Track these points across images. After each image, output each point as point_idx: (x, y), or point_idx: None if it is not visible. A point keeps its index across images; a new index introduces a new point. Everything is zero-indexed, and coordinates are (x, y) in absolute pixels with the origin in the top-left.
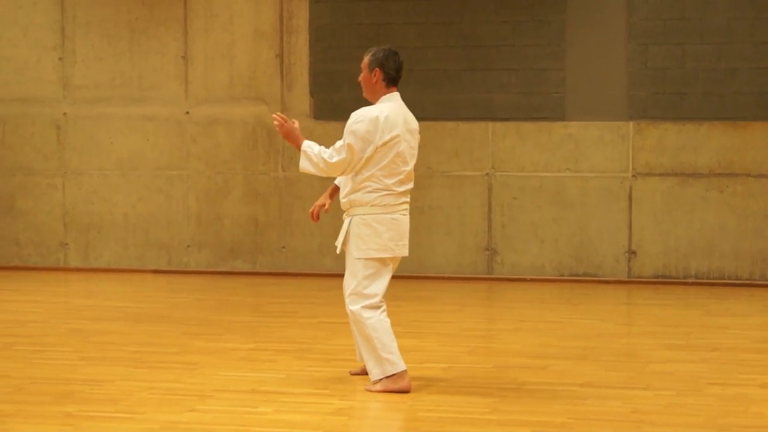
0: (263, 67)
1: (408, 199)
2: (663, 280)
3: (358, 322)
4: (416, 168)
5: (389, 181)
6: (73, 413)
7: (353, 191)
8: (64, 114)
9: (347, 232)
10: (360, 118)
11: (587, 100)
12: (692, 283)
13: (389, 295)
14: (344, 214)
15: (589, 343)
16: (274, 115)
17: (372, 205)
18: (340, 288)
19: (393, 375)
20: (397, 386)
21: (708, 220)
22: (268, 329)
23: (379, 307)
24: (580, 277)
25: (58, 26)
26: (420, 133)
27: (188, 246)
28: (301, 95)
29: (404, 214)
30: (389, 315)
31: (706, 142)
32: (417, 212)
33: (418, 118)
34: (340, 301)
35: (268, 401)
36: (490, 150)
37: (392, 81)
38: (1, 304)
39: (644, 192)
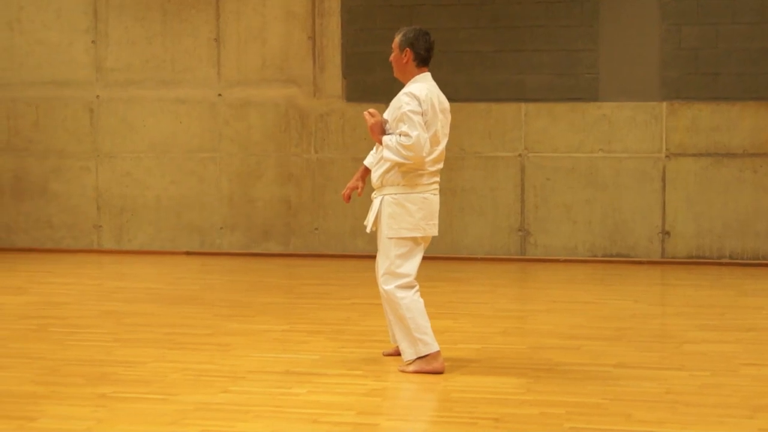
0: (295, 49)
1: (438, 179)
2: (697, 261)
3: (392, 302)
4: (449, 149)
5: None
6: (106, 394)
7: (387, 170)
8: (97, 97)
9: (378, 212)
10: (408, 99)
11: (620, 80)
12: (726, 264)
13: (422, 276)
14: (374, 193)
15: (622, 324)
16: (366, 112)
17: (404, 185)
18: (373, 269)
19: (426, 356)
20: (431, 367)
21: (742, 200)
22: (301, 311)
23: (413, 287)
24: (614, 258)
25: (91, 9)
26: (452, 114)
27: (221, 228)
28: (334, 77)
29: (434, 194)
30: (423, 296)
31: (740, 122)
32: (450, 194)
33: (451, 100)
34: (373, 282)
35: (301, 382)
36: (522, 131)
37: (423, 61)
38: (35, 286)
39: (678, 172)
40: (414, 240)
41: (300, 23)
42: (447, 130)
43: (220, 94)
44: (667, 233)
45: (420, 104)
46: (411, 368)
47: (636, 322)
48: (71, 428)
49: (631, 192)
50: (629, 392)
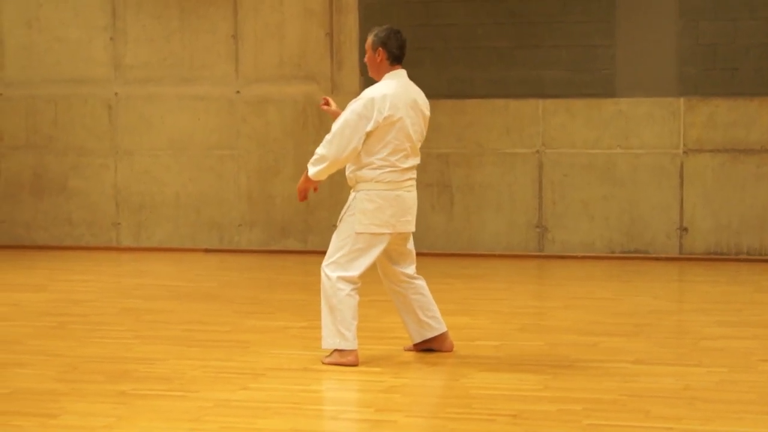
0: (313, 46)
1: (414, 176)
2: (715, 257)
3: (329, 289)
4: (467, 146)
5: (393, 158)
6: (126, 392)
7: (359, 168)
8: (116, 94)
9: (347, 206)
10: (359, 97)
11: (637, 76)
12: (744, 260)
13: (439, 273)
14: (351, 190)
15: (640, 320)
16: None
17: (377, 181)
18: None
19: (343, 350)
20: (345, 360)
21: (760, 196)
22: (319, 308)
23: (354, 283)
24: (631, 254)
25: (109, 7)
26: (470, 110)
27: (239, 225)
28: (351, 74)
29: (409, 191)
30: (440, 292)
31: (758, 118)
32: (467, 190)
33: (468, 96)
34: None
35: (320, 379)
36: (540, 127)
37: (396, 59)
38: (54, 283)
39: (695, 168)
40: (377, 237)
41: (318, 20)
42: (419, 127)
43: (238, 91)
44: (685, 229)
45: (371, 105)
46: (328, 360)
47: (654, 319)
48: (91, 425)
49: (648, 188)
50: (647, 388)
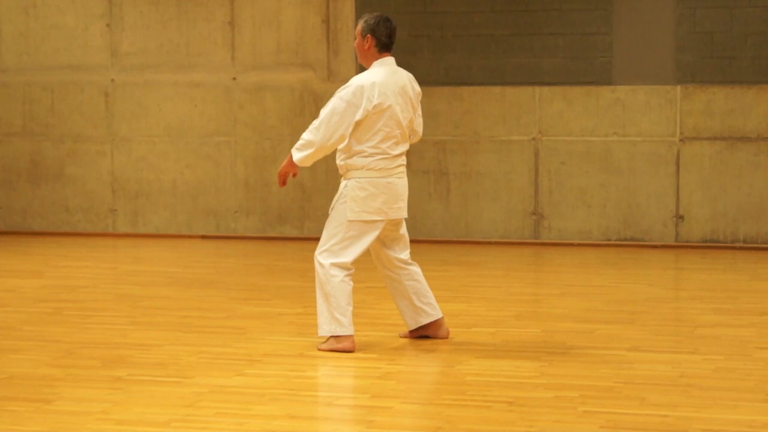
0: (310, 33)
1: (404, 162)
2: (711, 245)
3: (323, 275)
4: (464, 133)
5: (384, 145)
6: (122, 377)
7: (350, 156)
8: (112, 81)
9: (339, 194)
10: (347, 84)
11: (635, 64)
12: (740, 248)
13: (437, 260)
14: (342, 178)
15: (636, 308)
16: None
17: (368, 169)
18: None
19: (339, 336)
20: (342, 346)
21: (756, 184)
22: (315, 294)
23: (348, 270)
24: (628, 242)
25: None
26: (467, 97)
27: (236, 212)
28: (348, 60)
29: (400, 177)
30: (437, 279)
31: (755, 106)
32: (464, 177)
33: (465, 83)
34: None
35: (315, 366)
36: (537, 115)
37: (384, 47)
38: (51, 269)
39: (692, 156)
40: (369, 224)
41: (314, 7)
42: (408, 114)
43: (234, 78)
44: (681, 217)
45: (360, 93)
46: (325, 346)
47: (650, 306)
48: (87, 410)
49: (645, 176)
50: (643, 376)
